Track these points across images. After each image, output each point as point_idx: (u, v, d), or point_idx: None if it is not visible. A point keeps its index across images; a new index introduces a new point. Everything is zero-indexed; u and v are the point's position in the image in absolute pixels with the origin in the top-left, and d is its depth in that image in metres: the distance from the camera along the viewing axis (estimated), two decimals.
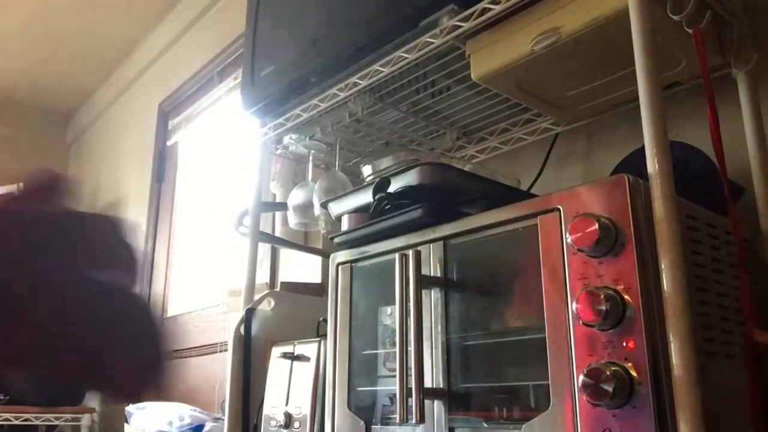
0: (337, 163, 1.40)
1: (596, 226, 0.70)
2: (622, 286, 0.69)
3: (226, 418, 1.30)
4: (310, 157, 1.48)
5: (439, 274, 0.91)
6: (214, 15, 2.71)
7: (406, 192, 0.95)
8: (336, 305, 1.06)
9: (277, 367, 1.26)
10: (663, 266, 0.68)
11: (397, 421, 0.88)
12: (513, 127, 1.33)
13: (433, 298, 0.90)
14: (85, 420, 2.63)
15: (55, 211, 0.38)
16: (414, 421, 0.85)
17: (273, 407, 1.22)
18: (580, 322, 0.71)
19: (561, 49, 0.93)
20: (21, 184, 0.38)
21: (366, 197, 1.02)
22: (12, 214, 0.38)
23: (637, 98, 0.75)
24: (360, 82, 1.13)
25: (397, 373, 0.87)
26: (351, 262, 1.05)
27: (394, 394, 0.90)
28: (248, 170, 1.47)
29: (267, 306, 1.41)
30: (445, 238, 0.91)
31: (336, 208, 1.10)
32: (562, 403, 0.72)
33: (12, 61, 3.31)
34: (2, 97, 3.60)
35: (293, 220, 1.51)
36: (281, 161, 1.72)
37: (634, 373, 0.66)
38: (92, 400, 2.78)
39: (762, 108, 1.01)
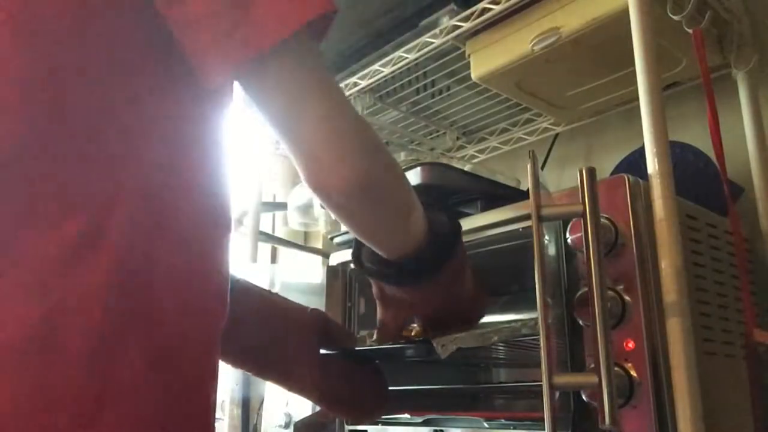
0: None
1: None
2: (622, 286, 0.69)
3: (226, 418, 1.30)
4: None
5: None
6: None
7: None
8: (334, 305, 1.06)
9: None
10: (663, 266, 0.68)
11: None
12: (513, 127, 1.33)
13: None
14: None
15: None
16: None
17: (273, 407, 1.22)
18: (580, 322, 0.71)
19: (561, 49, 0.93)
20: None
21: None
22: None
23: (637, 98, 0.75)
24: (360, 82, 1.13)
25: None
26: (351, 262, 1.05)
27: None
28: (248, 170, 1.47)
29: None
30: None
31: None
32: (561, 403, 0.71)
33: None
34: None
35: (293, 220, 1.51)
36: (281, 161, 1.72)
37: (634, 373, 0.66)
38: None
39: (762, 108, 1.01)
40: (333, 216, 0.58)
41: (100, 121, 0.46)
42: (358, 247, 0.69)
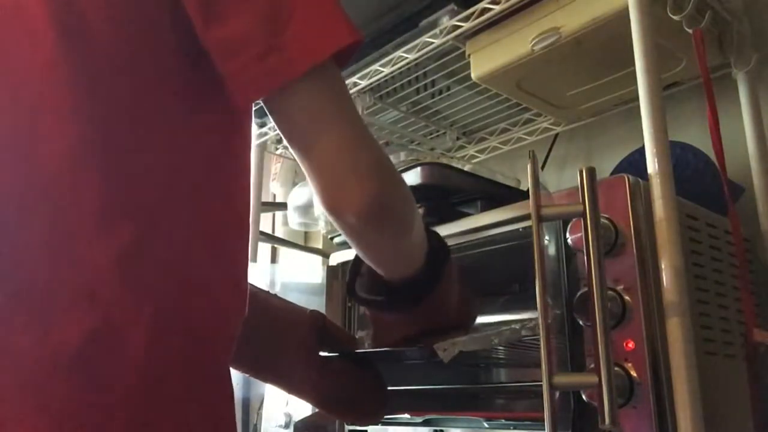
0: None
1: None
2: (622, 286, 0.69)
3: None
4: None
5: None
6: None
7: None
8: (334, 305, 1.06)
9: None
10: (663, 266, 0.68)
11: None
12: (513, 127, 1.33)
13: None
14: None
15: None
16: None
17: (273, 407, 1.22)
18: (580, 322, 0.71)
19: (561, 49, 0.93)
20: None
21: None
22: None
23: (637, 98, 0.75)
24: (360, 82, 1.13)
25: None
26: (350, 262, 1.05)
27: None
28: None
29: None
30: (445, 238, 0.90)
31: None
32: (561, 403, 0.71)
33: None
34: None
35: (293, 220, 1.51)
36: (281, 161, 1.72)
37: (634, 373, 0.66)
38: None
39: (762, 108, 1.01)
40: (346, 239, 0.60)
41: (143, 136, 0.49)
42: (352, 278, 0.70)
